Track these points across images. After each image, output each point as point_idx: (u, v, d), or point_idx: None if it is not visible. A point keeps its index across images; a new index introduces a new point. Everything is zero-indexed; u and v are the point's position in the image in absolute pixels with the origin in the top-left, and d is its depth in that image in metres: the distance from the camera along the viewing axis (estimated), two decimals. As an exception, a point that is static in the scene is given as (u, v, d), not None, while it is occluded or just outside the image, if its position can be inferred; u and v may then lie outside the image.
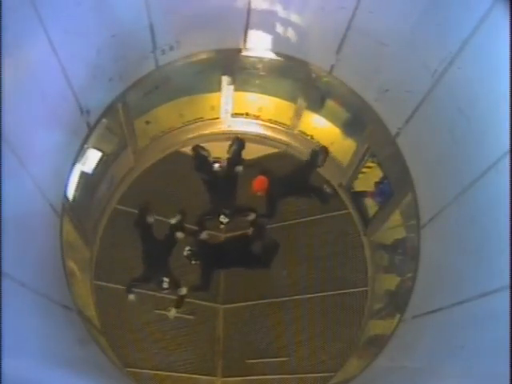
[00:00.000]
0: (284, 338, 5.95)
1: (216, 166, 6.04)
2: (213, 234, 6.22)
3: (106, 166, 5.47)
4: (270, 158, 6.46)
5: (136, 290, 5.71)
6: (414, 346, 4.10)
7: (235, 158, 5.98)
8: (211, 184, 5.97)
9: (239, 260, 5.79)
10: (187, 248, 5.65)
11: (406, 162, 4.66)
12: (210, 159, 6.01)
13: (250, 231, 5.88)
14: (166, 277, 5.48)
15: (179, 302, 5.71)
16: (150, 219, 5.71)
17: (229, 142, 6.13)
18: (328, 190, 6.04)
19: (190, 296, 5.89)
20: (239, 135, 6.20)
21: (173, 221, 5.84)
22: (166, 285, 5.47)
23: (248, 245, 5.77)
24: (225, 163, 5.95)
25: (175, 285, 5.60)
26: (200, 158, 5.99)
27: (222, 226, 6.02)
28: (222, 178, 5.94)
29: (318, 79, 5.41)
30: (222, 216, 5.81)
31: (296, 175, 5.96)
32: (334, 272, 6.05)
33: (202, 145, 6.10)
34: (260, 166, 6.13)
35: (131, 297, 5.67)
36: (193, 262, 5.67)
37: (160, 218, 5.91)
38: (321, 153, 5.97)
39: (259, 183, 5.77)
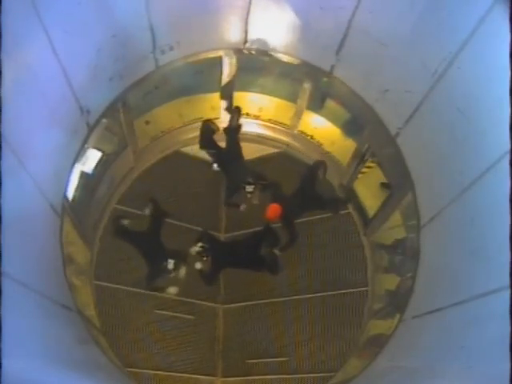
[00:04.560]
0: (284, 338, 5.94)
1: (215, 166, 6.04)
2: (213, 234, 6.21)
3: (106, 166, 5.48)
4: (270, 157, 6.45)
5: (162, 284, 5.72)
6: (413, 346, 4.10)
7: (234, 126, 5.90)
8: (220, 159, 5.93)
9: (249, 262, 5.75)
10: (199, 244, 5.59)
11: (406, 162, 4.66)
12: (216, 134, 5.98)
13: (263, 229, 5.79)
14: (169, 258, 5.45)
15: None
16: (125, 221, 5.67)
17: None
18: (340, 196, 6.00)
19: (189, 296, 5.93)
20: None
21: (146, 211, 5.77)
22: (171, 265, 5.44)
23: (258, 248, 5.69)
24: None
25: (182, 260, 5.58)
26: (207, 133, 5.94)
27: (250, 196, 5.87)
28: (227, 150, 5.89)
29: (317, 79, 5.41)
30: (246, 186, 5.72)
31: (302, 191, 5.80)
32: (334, 272, 6.05)
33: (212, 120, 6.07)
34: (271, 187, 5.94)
35: (172, 289, 5.68)
36: (204, 259, 5.64)
37: (135, 211, 5.93)
38: (320, 166, 5.88)
39: (272, 211, 5.56)
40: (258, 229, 5.85)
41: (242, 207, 5.98)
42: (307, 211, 5.94)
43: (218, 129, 6.00)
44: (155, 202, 5.83)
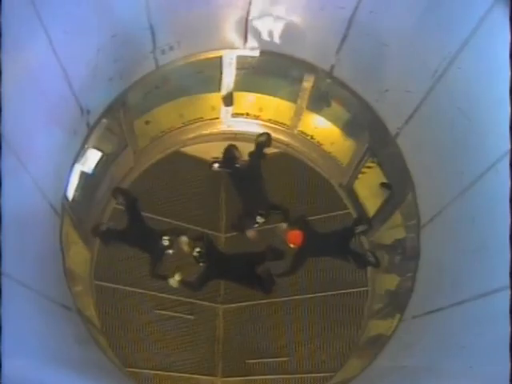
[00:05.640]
0: (284, 338, 5.93)
1: (215, 166, 6.06)
2: (213, 234, 6.22)
3: (106, 166, 5.47)
4: (270, 157, 6.45)
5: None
6: (414, 345, 4.10)
7: (259, 151, 6.00)
8: (236, 180, 6.00)
9: (243, 278, 5.82)
10: (197, 249, 5.68)
11: (405, 162, 4.66)
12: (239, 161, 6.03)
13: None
14: (163, 236, 5.61)
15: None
16: (103, 226, 5.73)
17: (229, 142, 6.17)
18: (371, 258, 5.86)
19: (189, 296, 5.93)
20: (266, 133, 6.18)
21: (119, 201, 5.87)
22: (166, 242, 5.58)
23: (254, 265, 5.76)
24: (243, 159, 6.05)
25: (176, 236, 5.74)
26: (230, 156, 6.01)
27: (256, 225, 5.96)
28: (245, 174, 5.97)
29: (318, 79, 5.41)
30: (258, 217, 5.80)
31: (335, 237, 5.88)
32: (334, 272, 6.04)
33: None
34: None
35: (173, 280, 5.70)
36: (200, 264, 5.73)
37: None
38: (362, 222, 5.92)
39: (294, 237, 5.68)
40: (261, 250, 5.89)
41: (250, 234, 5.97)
42: (329, 256, 5.96)
43: (240, 156, 6.05)
44: (122, 191, 5.90)
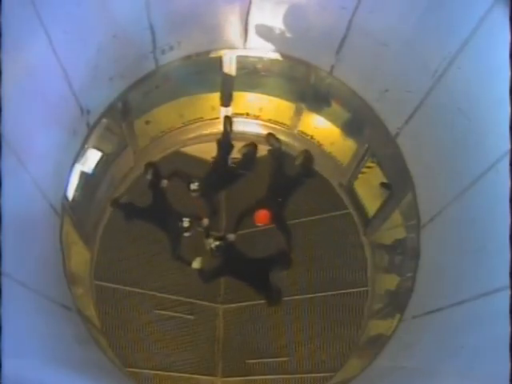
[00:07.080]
0: (284, 338, 5.93)
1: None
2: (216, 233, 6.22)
3: (106, 166, 5.47)
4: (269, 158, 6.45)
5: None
6: (413, 346, 4.10)
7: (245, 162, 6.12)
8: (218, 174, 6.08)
9: (254, 282, 5.74)
10: (217, 243, 5.64)
11: (405, 162, 4.66)
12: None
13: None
14: (184, 217, 5.61)
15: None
16: (124, 198, 5.84)
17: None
18: (297, 162, 6.04)
19: (189, 296, 5.93)
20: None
21: (148, 176, 5.91)
22: (186, 223, 5.59)
23: (269, 272, 5.68)
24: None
25: (197, 219, 5.73)
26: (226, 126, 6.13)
27: (194, 194, 5.96)
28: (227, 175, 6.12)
29: (318, 79, 5.41)
30: (192, 183, 5.83)
31: (277, 181, 5.98)
32: (334, 272, 6.04)
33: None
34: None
35: (196, 262, 5.67)
36: (216, 256, 5.70)
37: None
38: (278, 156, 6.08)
39: (262, 218, 5.73)
40: (273, 252, 5.84)
41: None
42: (288, 198, 5.97)
43: (232, 131, 6.17)
44: (154, 166, 5.94)
